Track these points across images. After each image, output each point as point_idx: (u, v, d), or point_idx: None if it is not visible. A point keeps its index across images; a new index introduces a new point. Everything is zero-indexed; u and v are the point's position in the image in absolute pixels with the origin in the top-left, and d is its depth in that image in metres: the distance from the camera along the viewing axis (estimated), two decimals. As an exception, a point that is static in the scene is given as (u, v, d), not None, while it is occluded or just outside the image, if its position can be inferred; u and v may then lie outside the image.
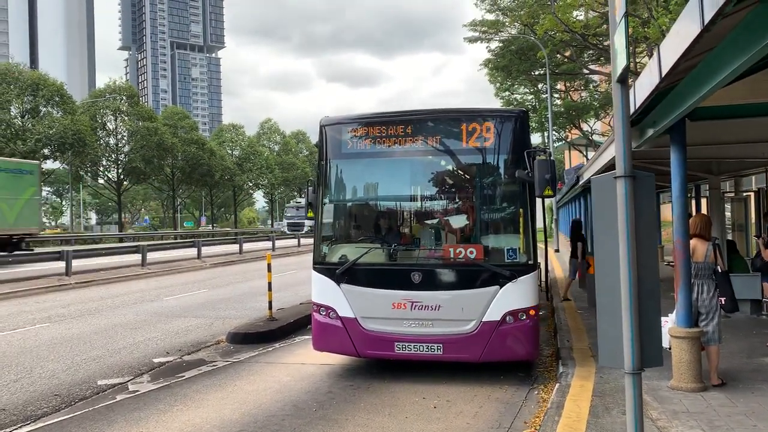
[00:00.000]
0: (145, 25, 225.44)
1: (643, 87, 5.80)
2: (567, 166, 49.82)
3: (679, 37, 4.22)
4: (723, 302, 7.11)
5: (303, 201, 66.10)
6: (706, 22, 3.56)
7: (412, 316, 7.73)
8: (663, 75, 4.87)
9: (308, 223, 53.19)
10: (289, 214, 71.16)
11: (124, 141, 62.25)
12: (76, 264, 21.71)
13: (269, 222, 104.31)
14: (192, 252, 29.94)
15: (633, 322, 3.42)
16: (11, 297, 17.29)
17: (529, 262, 7.73)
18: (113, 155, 61.94)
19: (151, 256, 26.53)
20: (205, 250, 30.72)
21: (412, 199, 8.64)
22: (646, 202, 3.51)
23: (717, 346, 6.89)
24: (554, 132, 36.85)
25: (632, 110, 6.27)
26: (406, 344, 7.75)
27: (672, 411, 6.01)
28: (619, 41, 3.29)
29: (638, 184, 3.45)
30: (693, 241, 6.95)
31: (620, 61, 3.29)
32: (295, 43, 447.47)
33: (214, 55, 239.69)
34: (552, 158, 8.18)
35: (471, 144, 8.03)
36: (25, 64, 62.50)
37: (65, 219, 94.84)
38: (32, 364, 9.25)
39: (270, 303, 11.96)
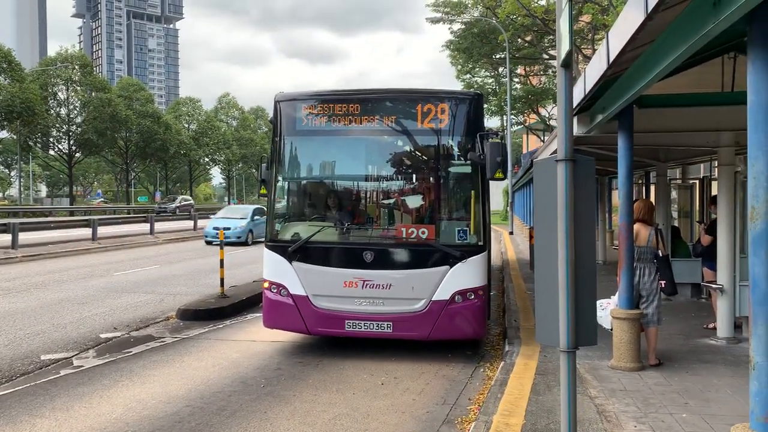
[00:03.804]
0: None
1: (592, 73, 5.91)
2: (524, 151, 50.38)
3: (625, 25, 4.32)
4: (663, 285, 7.35)
5: None
6: (649, 10, 3.65)
7: (363, 295, 7.78)
8: (610, 62, 4.97)
9: None
10: None
11: (76, 112, 60.30)
12: (24, 237, 21.12)
13: (226, 199, 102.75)
14: (145, 227, 29.42)
15: (569, 303, 3.51)
16: (-47, 269, 16.73)
17: (479, 243, 7.83)
18: (64, 126, 59.98)
19: (103, 230, 25.97)
20: (159, 226, 30.21)
21: (366, 178, 8.65)
22: (586, 185, 3.59)
23: (656, 328, 7.14)
24: (513, 116, 37.22)
25: (583, 95, 6.40)
26: (357, 322, 7.80)
27: (610, 389, 6.22)
28: (563, 26, 3.33)
29: (578, 168, 3.52)
30: (636, 226, 7.16)
31: (564, 46, 3.34)
32: (254, 17, 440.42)
33: (171, 26, 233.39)
34: (504, 141, 8.27)
35: (425, 125, 8.05)
36: (-30, 29, 59.81)
37: (13, 191, 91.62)
38: (-28, 339, 9.00)
39: (222, 280, 11.85)
